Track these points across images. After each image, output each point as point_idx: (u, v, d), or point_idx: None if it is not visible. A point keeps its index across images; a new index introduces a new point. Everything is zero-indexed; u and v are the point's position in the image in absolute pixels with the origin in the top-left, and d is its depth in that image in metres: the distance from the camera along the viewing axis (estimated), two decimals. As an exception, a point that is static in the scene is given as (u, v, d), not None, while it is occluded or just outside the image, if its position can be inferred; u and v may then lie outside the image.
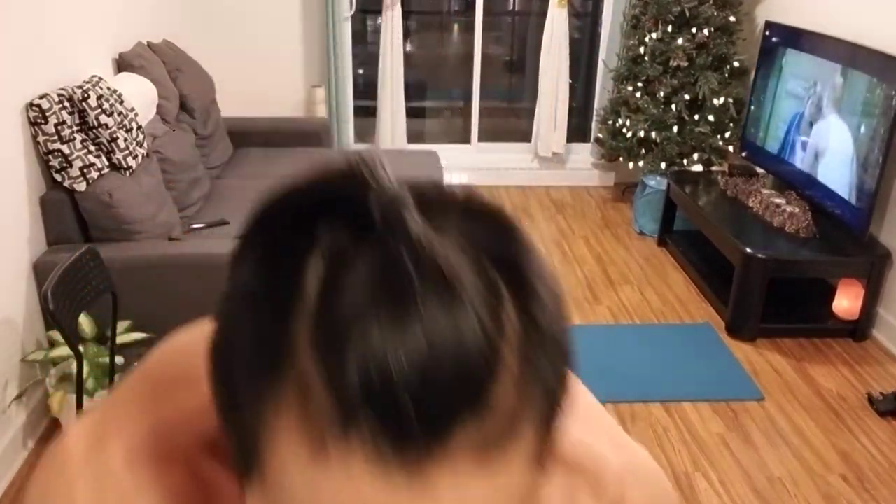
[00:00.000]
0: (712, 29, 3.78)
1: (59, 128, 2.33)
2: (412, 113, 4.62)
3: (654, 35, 3.86)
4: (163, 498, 0.43)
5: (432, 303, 0.28)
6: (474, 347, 0.28)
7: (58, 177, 2.35)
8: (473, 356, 0.28)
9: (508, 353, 0.29)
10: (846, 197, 2.91)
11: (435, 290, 0.28)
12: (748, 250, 2.91)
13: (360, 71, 4.79)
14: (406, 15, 4.51)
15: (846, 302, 2.99)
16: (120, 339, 2.14)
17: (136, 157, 2.61)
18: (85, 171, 2.38)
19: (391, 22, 4.26)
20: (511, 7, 5.00)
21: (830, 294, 3.08)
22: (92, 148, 2.45)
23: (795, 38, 3.33)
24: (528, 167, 4.69)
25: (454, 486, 0.28)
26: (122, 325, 2.20)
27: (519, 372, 0.30)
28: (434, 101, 5.14)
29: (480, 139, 4.77)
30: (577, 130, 4.78)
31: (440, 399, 0.28)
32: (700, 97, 3.85)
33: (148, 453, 0.43)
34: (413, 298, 0.28)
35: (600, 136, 4.35)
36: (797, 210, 3.13)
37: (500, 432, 0.29)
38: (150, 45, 3.36)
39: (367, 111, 4.58)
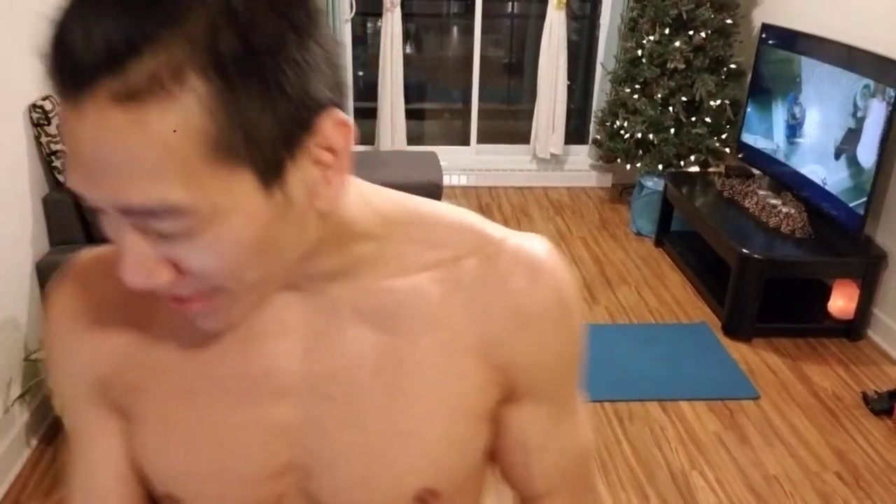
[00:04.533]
0: (709, 31, 3.80)
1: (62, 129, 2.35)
2: (412, 115, 4.64)
3: (651, 37, 3.89)
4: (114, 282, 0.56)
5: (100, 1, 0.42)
6: (120, 32, 0.41)
7: (61, 178, 2.37)
8: (116, 37, 0.41)
9: (169, 40, 0.41)
10: (842, 198, 2.94)
11: None
12: (744, 251, 2.93)
13: (360, 73, 4.82)
14: (406, 17, 4.54)
15: (841, 302, 3.02)
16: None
17: (137, 158, 2.63)
18: (87, 172, 2.40)
19: (391, 24, 4.28)
20: (510, 10, 5.03)
21: (826, 294, 3.10)
22: (94, 149, 2.47)
23: (792, 40, 3.35)
24: (527, 168, 4.71)
25: (98, 116, 0.42)
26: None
27: (180, 55, 0.41)
28: (433, 102, 5.17)
29: (479, 141, 4.79)
30: (576, 132, 4.80)
31: (83, 62, 0.41)
32: (697, 99, 3.87)
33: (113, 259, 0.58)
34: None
35: (598, 137, 4.37)
36: (793, 211, 3.16)
37: (141, 92, 0.41)
38: (151, 47, 3.38)
39: (367, 113, 4.60)
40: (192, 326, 0.55)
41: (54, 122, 2.32)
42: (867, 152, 2.80)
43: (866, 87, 2.82)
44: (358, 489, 0.60)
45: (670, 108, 3.92)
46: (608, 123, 4.19)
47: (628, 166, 4.17)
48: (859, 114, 2.86)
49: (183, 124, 0.42)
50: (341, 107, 0.49)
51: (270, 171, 0.46)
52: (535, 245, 0.62)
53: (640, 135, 3.96)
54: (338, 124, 0.49)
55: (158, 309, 0.59)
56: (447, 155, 4.47)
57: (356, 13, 4.36)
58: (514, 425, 0.64)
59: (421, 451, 0.59)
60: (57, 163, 2.35)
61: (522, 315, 0.60)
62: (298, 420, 0.59)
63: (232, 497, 0.61)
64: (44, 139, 2.33)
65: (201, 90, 0.42)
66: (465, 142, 4.80)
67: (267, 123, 0.45)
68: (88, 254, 0.63)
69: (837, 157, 2.99)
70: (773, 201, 3.28)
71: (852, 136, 2.90)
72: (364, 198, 0.58)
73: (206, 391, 0.59)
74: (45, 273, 2.33)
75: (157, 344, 0.60)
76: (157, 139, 0.42)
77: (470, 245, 0.61)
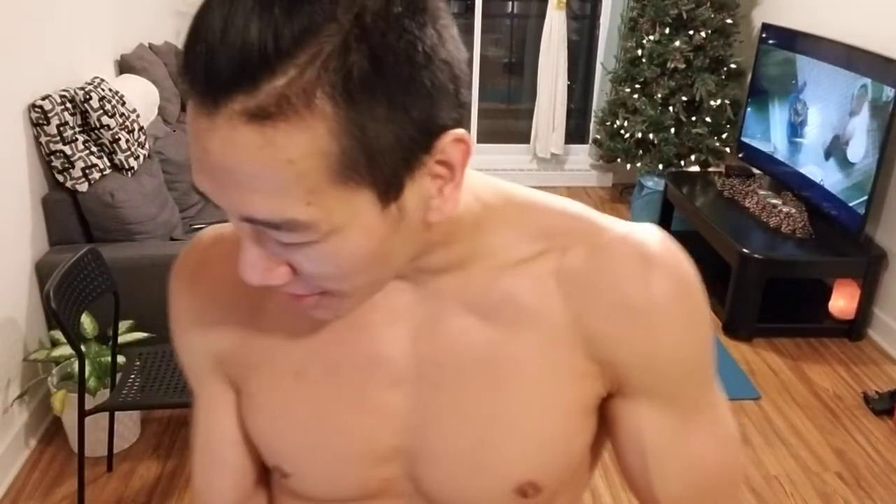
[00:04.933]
0: (709, 31, 3.80)
1: (62, 129, 2.34)
2: (411, 114, 4.63)
3: (651, 37, 3.88)
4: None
5: (238, 8, 0.41)
6: (255, 47, 0.41)
7: (60, 177, 2.37)
8: (252, 53, 0.41)
9: (301, 59, 0.41)
10: (842, 197, 2.93)
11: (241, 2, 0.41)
12: (745, 251, 2.92)
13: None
14: (405, 17, 4.52)
15: (842, 302, 3.01)
16: (121, 339, 2.15)
17: (137, 157, 2.63)
18: (87, 171, 2.39)
19: (390, 24, 4.27)
20: (510, 9, 5.03)
21: (827, 294, 3.10)
22: (94, 149, 2.46)
23: (791, 40, 3.35)
24: (527, 168, 4.71)
25: (229, 130, 0.42)
26: (123, 325, 2.22)
27: (310, 76, 0.41)
28: (433, 102, 5.15)
29: (479, 140, 4.79)
30: (576, 132, 4.80)
31: (219, 76, 0.42)
32: (697, 99, 3.87)
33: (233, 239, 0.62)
34: (228, 4, 0.42)
35: (598, 137, 4.37)
36: (793, 211, 3.15)
37: (272, 113, 0.42)
38: (151, 46, 3.38)
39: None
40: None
41: (53, 121, 2.31)
42: (867, 152, 2.79)
43: (865, 86, 2.81)
44: (461, 478, 0.60)
45: (670, 108, 3.92)
46: (608, 123, 4.19)
47: (628, 166, 4.16)
48: (859, 113, 2.86)
49: (309, 146, 0.43)
50: (462, 124, 0.49)
51: (389, 190, 0.47)
52: (648, 234, 0.59)
53: (640, 134, 3.96)
54: (457, 141, 0.49)
55: (274, 290, 0.60)
56: (447, 155, 4.45)
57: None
58: (629, 427, 0.61)
59: (523, 443, 0.59)
60: (56, 162, 2.35)
61: (630, 308, 0.56)
62: (405, 406, 0.60)
63: (338, 477, 0.62)
64: (43, 139, 2.32)
65: (328, 113, 0.42)
66: (464, 141, 4.79)
67: (390, 146, 0.45)
68: (210, 232, 0.66)
69: (837, 156, 2.99)
70: (774, 201, 3.28)
71: (852, 135, 2.89)
72: (470, 190, 0.57)
73: (316, 372, 0.61)
74: (44, 273, 2.32)
75: (272, 323, 0.62)
76: (284, 159, 0.43)
77: (576, 234, 0.59)
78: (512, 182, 0.63)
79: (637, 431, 0.60)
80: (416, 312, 0.60)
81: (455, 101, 0.48)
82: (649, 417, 0.60)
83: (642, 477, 0.62)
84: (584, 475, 0.68)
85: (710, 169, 3.96)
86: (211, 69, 0.42)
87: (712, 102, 3.85)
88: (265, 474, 0.72)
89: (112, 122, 2.49)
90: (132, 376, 2.02)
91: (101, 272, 1.99)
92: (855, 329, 2.98)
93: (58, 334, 2.27)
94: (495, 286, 0.58)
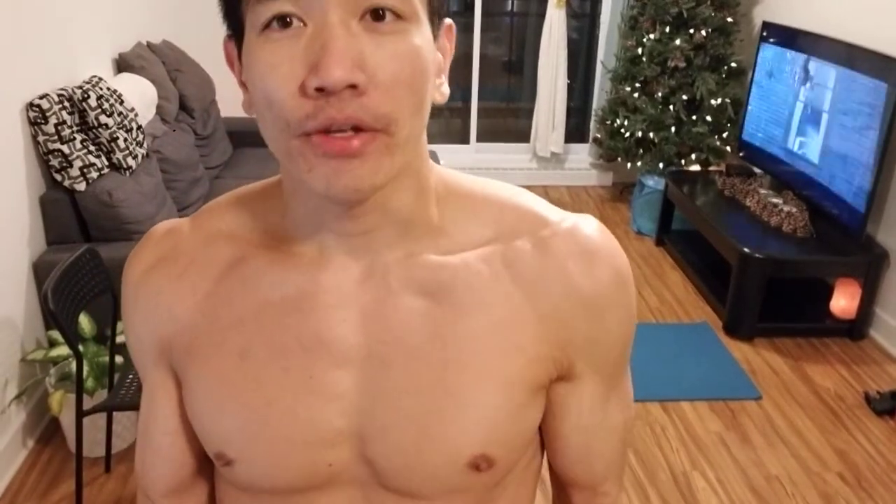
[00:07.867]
0: (710, 30, 3.78)
1: (59, 128, 2.33)
2: (411, 113, 4.61)
3: (651, 36, 3.87)
4: (206, 247, 0.64)
5: None
6: None
7: (58, 177, 2.36)
8: None
9: None
10: (843, 197, 2.92)
11: None
12: (746, 250, 2.92)
13: (359, 71, 4.78)
14: (405, 15, 4.50)
15: (843, 301, 3.00)
16: (119, 339, 2.14)
17: (135, 157, 2.62)
18: (85, 171, 2.38)
19: (390, 22, 4.26)
20: (509, 8, 5.01)
21: (828, 293, 3.09)
22: (92, 148, 2.45)
23: (792, 38, 3.34)
24: (527, 167, 4.70)
25: None
26: (121, 325, 2.20)
27: None
28: (433, 101, 5.14)
29: (479, 139, 4.78)
30: (576, 131, 4.79)
31: None
32: (698, 97, 3.86)
33: (204, 225, 0.66)
34: None
35: (598, 136, 4.36)
36: (794, 210, 3.14)
37: None
38: (149, 45, 3.37)
39: (365, 111, 4.57)
40: (253, 293, 0.61)
41: (51, 120, 2.30)
42: (868, 150, 2.78)
43: (867, 84, 2.80)
44: (413, 454, 0.60)
45: (671, 107, 3.90)
46: (608, 122, 4.18)
47: (629, 165, 4.15)
48: (860, 111, 2.85)
49: None
50: None
51: (434, 26, 0.55)
52: (589, 227, 0.64)
53: (640, 133, 3.95)
54: (448, 30, 0.59)
55: (222, 276, 0.63)
56: (447, 154, 4.45)
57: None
58: (575, 407, 0.65)
59: (475, 417, 0.60)
60: (54, 162, 2.34)
61: (582, 297, 0.61)
62: (354, 387, 0.60)
63: (284, 462, 0.61)
64: (41, 138, 2.31)
65: None
66: (464, 140, 4.78)
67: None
68: (163, 226, 0.68)
69: (838, 155, 2.98)
70: (775, 200, 3.27)
71: (853, 134, 2.88)
72: (435, 171, 0.63)
73: (262, 355, 0.61)
74: (41, 273, 2.31)
75: (218, 309, 0.63)
76: None
77: (524, 226, 0.63)
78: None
79: (584, 410, 0.65)
80: (365, 292, 0.60)
81: None
82: (591, 396, 0.65)
83: (585, 451, 0.67)
84: (535, 459, 0.70)
85: (711, 168, 3.95)
86: None
87: (713, 101, 3.84)
88: (206, 467, 0.72)
89: (110, 121, 2.48)
90: (130, 376, 2.01)
91: (98, 272, 1.98)
92: (856, 329, 2.97)
93: (55, 334, 2.26)
94: (443, 267, 0.61)
